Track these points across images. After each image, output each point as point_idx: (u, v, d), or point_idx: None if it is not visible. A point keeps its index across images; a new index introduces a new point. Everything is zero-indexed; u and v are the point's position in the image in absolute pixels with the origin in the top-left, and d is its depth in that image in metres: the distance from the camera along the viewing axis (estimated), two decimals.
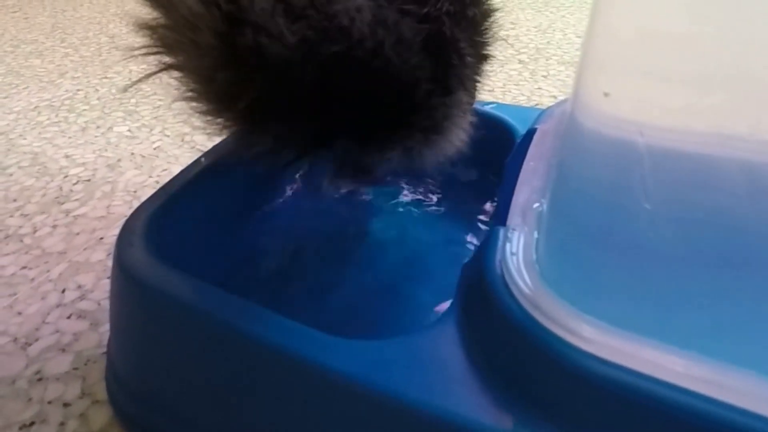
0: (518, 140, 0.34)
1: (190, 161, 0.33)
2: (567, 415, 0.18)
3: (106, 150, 0.59)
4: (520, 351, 0.19)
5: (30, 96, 0.73)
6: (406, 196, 0.42)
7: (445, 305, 0.31)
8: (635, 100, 0.23)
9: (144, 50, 0.23)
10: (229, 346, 0.23)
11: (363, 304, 0.32)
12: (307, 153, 0.24)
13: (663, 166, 0.22)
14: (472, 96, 0.28)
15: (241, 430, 0.24)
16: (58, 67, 0.83)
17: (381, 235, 0.38)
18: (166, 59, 0.23)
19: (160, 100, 0.70)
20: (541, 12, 1.07)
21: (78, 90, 0.74)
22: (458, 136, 0.27)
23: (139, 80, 0.24)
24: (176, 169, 0.54)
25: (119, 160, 0.57)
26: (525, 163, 0.28)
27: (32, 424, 0.29)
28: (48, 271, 0.41)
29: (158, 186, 0.31)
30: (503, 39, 0.28)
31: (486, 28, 0.27)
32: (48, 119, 0.66)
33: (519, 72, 0.77)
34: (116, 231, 0.44)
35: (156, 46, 0.23)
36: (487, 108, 0.39)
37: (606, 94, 0.22)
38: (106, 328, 0.35)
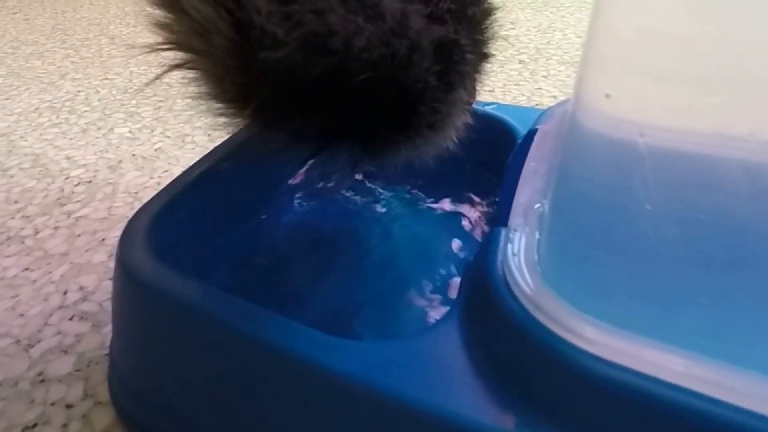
0: (519, 141, 0.34)
1: (191, 162, 0.33)
2: (568, 415, 0.18)
3: (107, 151, 0.59)
4: (522, 351, 0.19)
5: (31, 97, 0.73)
6: (407, 196, 0.42)
7: (440, 307, 0.31)
8: (636, 100, 0.23)
9: (159, 47, 0.24)
10: (231, 347, 0.23)
11: (365, 305, 0.32)
12: (321, 149, 0.24)
13: (664, 166, 0.22)
14: (472, 94, 0.28)
15: (243, 430, 0.24)
16: (58, 68, 0.83)
17: (382, 235, 0.38)
18: (181, 56, 0.24)
19: (160, 101, 0.70)
20: (541, 12, 1.07)
21: (79, 91, 0.74)
22: (455, 134, 0.27)
23: (159, 76, 0.25)
24: (177, 171, 0.54)
25: (120, 162, 0.57)
26: (526, 163, 0.28)
27: (35, 425, 0.29)
28: (50, 272, 0.41)
29: (159, 187, 0.31)
30: (504, 38, 0.28)
31: (486, 27, 0.27)
32: (49, 121, 0.66)
33: (519, 72, 0.77)
34: (118, 232, 0.44)
35: (171, 44, 0.23)
36: (487, 108, 0.39)
37: (607, 95, 0.22)
38: (108, 329, 0.35)
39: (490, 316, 0.21)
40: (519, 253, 0.22)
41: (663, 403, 0.16)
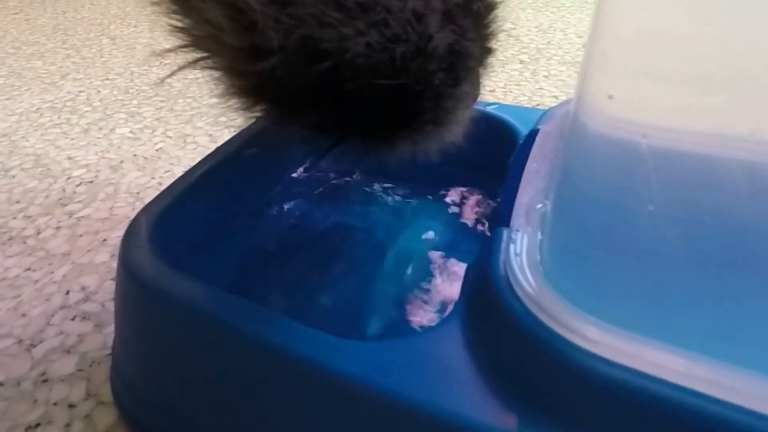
0: (521, 141, 0.34)
1: (192, 163, 0.34)
2: (571, 415, 0.18)
3: (108, 152, 0.59)
4: (525, 352, 0.19)
5: (32, 98, 0.73)
6: (407, 197, 0.42)
7: (442, 308, 0.32)
8: (639, 101, 0.23)
9: (179, 49, 0.24)
10: (232, 347, 0.23)
11: (366, 304, 0.32)
12: (334, 143, 0.25)
13: (666, 167, 0.22)
14: (477, 88, 0.28)
15: (244, 430, 0.24)
16: (59, 68, 0.83)
17: (383, 236, 0.38)
18: (198, 56, 0.24)
19: (162, 101, 0.71)
20: (542, 12, 1.07)
21: (80, 92, 0.75)
22: (459, 128, 0.27)
23: (174, 72, 0.25)
24: (178, 171, 0.54)
25: (122, 162, 0.57)
26: (528, 164, 0.28)
27: (38, 425, 0.29)
28: (52, 272, 0.41)
29: (161, 188, 0.32)
30: (506, 32, 0.28)
31: (489, 22, 0.27)
32: (50, 121, 0.66)
33: (520, 72, 0.77)
34: (119, 232, 0.44)
35: (189, 45, 0.24)
36: (489, 109, 0.39)
37: (610, 97, 0.22)
38: (110, 329, 0.35)
39: (493, 316, 0.21)
40: (521, 253, 0.22)
41: (665, 403, 0.16)
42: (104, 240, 0.45)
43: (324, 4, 0.21)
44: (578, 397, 0.18)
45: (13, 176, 0.54)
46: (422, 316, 0.31)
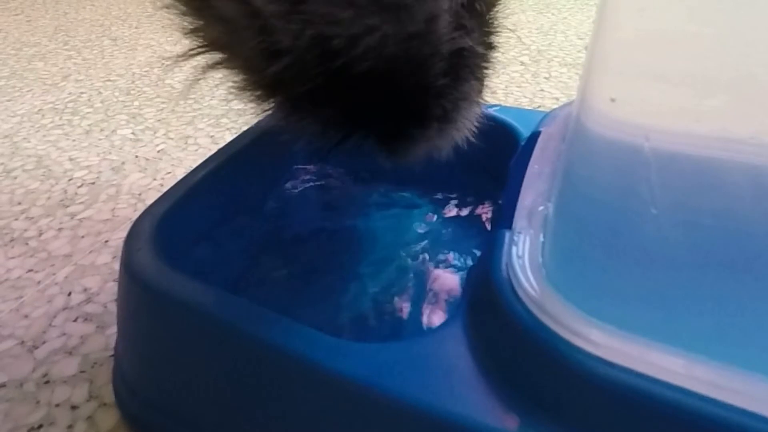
0: (522, 143, 0.34)
1: (194, 164, 0.34)
2: (574, 418, 0.18)
3: (110, 153, 0.59)
4: (527, 354, 0.19)
5: (33, 99, 0.73)
6: (409, 198, 0.42)
7: (444, 309, 0.32)
8: (641, 103, 0.23)
9: (193, 52, 0.25)
10: (235, 349, 0.23)
11: (369, 306, 0.32)
12: (344, 139, 0.25)
13: (669, 169, 0.22)
14: (482, 85, 0.28)
15: None
16: (61, 69, 0.83)
17: (383, 237, 0.38)
18: (214, 57, 0.25)
19: (163, 102, 0.71)
20: (543, 14, 1.07)
21: (81, 93, 0.75)
22: (467, 126, 0.27)
23: (197, 78, 0.26)
24: (180, 172, 0.54)
25: (123, 163, 0.57)
26: (529, 166, 0.28)
27: (40, 426, 0.29)
28: (54, 274, 0.41)
29: (163, 189, 0.32)
30: (510, 29, 0.28)
31: (492, 18, 0.27)
32: (52, 122, 0.66)
33: (521, 74, 0.77)
34: (121, 234, 0.44)
35: (202, 47, 0.24)
36: (490, 111, 0.39)
37: (613, 100, 0.22)
38: (112, 330, 0.35)
39: (495, 318, 0.21)
40: (523, 255, 0.22)
41: (666, 405, 0.16)
42: (106, 241, 0.45)
43: (334, 3, 0.21)
44: (580, 399, 0.18)
45: (15, 177, 0.55)
46: (423, 318, 0.31)
